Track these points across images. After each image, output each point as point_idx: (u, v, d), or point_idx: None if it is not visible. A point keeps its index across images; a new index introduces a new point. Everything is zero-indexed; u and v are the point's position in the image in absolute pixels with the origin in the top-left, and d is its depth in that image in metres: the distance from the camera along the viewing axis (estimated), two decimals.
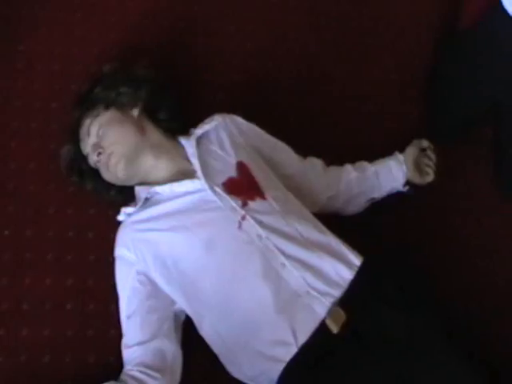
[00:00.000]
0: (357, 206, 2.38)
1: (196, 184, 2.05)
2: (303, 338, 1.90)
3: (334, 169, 2.36)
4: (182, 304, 2.06)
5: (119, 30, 2.62)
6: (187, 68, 2.60)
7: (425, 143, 2.48)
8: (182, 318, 2.12)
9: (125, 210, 2.12)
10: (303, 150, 2.36)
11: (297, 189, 2.23)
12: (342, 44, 2.80)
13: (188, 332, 2.12)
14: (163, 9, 2.71)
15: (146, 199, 2.11)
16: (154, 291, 2.06)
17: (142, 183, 2.15)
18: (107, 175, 2.14)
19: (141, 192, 2.13)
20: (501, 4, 2.33)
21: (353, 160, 2.43)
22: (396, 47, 2.84)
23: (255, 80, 2.66)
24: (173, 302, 2.08)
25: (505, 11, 2.32)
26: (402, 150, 2.45)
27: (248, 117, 2.30)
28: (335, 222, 2.20)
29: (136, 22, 2.65)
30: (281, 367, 1.89)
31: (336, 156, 2.42)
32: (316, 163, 2.35)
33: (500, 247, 2.50)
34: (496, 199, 2.59)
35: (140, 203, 2.10)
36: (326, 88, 2.70)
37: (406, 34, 2.86)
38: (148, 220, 2.06)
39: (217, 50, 2.68)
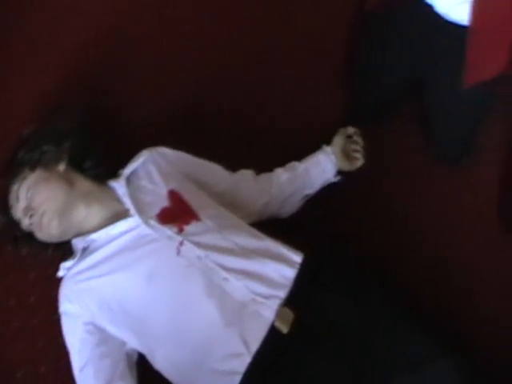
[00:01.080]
0: (292, 206, 2.47)
1: (130, 222, 2.14)
2: (255, 345, 1.98)
3: (264, 176, 2.46)
4: (133, 343, 2.14)
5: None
6: (111, 107, 2.67)
7: (350, 130, 2.57)
8: (135, 356, 2.20)
9: (64, 265, 2.19)
10: (236, 162, 2.45)
11: (231, 203, 2.33)
12: (254, 44, 2.86)
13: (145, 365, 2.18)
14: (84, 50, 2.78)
15: (84, 249, 2.18)
16: (103, 337, 2.13)
17: (77, 234, 2.22)
18: (42, 235, 2.21)
19: (77, 243, 2.20)
20: None
21: (287, 160, 2.52)
22: (311, 38, 2.91)
23: (181, 107, 2.74)
24: (124, 343, 2.16)
25: None
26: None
27: (178, 142, 2.38)
28: (272, 225, 2.30)
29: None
30: (238, 379, 1.97)
31: (271, 159, 2.52)
32: (246, 174, 2.44)
33: (437, 224, 2.59)
34: (429, 174, 2.68)
35: (78, 254, 2.17)
36: (250, 103, 2.77)
37: (320, 22, 2.91)
38: (88, 269, 2.14)
39: (138, 84, 2.76)
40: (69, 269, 2.18)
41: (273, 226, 2.30)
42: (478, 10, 2.21)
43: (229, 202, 2.32)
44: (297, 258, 2.14)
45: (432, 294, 2.42)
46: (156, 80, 2.76)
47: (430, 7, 2.33)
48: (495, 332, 2.39)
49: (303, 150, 2.54)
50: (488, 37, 2.28)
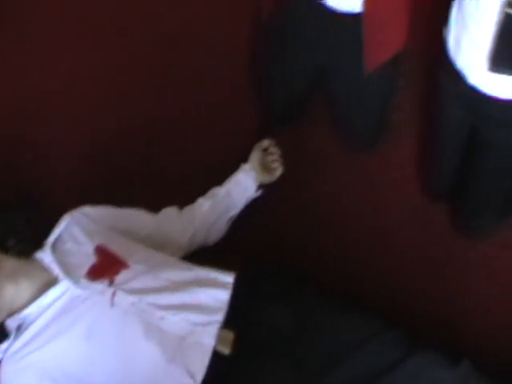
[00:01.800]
0: (219, 231, 2.53)
1: (61, 287, 2.18)
2: (200, 374, 2.02)
3: (187, 209, 2.51)
4: None
5: None
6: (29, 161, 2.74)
7: (265, 143, 2.63)
8: None
9: (0, 348, 2.19)
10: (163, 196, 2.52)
11: (158, 243, 2.39)
12: (160, 68, 2.94)
13: None
14: None
15: (19, 327, 2.19)
16: None
17: (9, 314, 2.22)
18: None
19: (10, 323, 2.20)
20: None
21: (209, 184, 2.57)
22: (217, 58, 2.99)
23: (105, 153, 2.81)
24: None
25: None
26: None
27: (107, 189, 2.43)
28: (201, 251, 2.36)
29: None
30: None
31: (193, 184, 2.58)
32: (169, 212, 2.50)
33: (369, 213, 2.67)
34: (350, 163, 2.75)
35: (13, 334, 2.18)
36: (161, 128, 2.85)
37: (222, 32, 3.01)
38: (26, 344, 2.15)
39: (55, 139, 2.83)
40: (5, 350, 2.18)
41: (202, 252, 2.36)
42: None
43: (156, 243, 2.38)
44: (228, 278, 2.19)
45: (370, 280, 2.48)
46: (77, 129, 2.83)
47: (321, 4, 2.36)
48: (426, 304, 2.47)
49: (223, 169, 2.60)
50: (382, 20, 2.33)
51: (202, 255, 2.38)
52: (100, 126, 2.84)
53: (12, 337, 2.19)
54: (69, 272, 2.21)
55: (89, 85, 2.92)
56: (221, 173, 2.57)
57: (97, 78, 2.94)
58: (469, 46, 2.18)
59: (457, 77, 2.25)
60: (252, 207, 2.56)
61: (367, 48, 2.37)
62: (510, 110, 2.24)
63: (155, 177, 2.74)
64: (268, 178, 2.58)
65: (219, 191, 2.53)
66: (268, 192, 2.58)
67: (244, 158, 2.60)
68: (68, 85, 2.92)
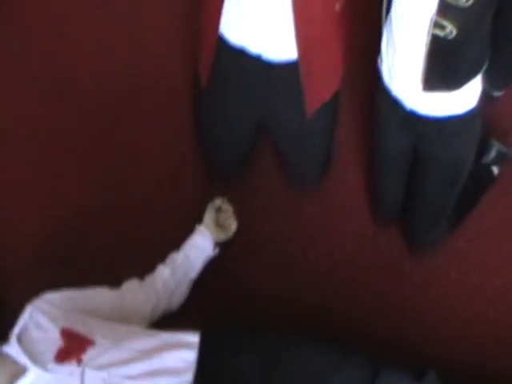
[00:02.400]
0: (181, 295, 2.57)
1: (30, 376, 2.22)
2: None
3: (148, 280, 2.54)
4: None
5: None
6: None
7: (217, 202, 2.69)
8: None
9: None
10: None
11: (123, 316, 2.42)
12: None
13: None
14: None
15: None
16: None
17: None
18: None
19: None
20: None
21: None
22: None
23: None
24: None
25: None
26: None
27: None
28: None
29: None
30: None
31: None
32: (130, 285, 2.53)
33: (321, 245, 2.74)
34: (299, 201, 2.82)
35: None
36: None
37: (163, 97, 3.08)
38: None
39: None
40: None
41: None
42: (302, 42, 2.31)
43: (121, 316, 2.42)
44: (194, 338, 2.23)
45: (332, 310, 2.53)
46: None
47: (258, 56, 2.40)
48: (388, 326, 2.53)
49: (180, 234, 2.64)
50: (318, 63, 2.40)
51: (165, 318, 2.41)
52: (53, 203, 2.89)
53: None
54: (36, 360, 2.24)
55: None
56: (179, 238, 2.62)
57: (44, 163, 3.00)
58: (402, 72, 2.26)
59: (394, 103, 2.33)
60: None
61: (306, 92, 2.42)
62: (447, 127, 2.32)
63: (115, 250, 2.77)
64: (223, 236, 2.64)
65: (177, 256, 2.58)
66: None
67: (199, 219, 2.66)
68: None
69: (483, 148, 2.64)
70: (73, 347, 2.26)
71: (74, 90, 3.07)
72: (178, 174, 2.92)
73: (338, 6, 2.32)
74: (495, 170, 2.68)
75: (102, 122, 3.01)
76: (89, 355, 2.22)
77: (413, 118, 2.32)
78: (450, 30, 2.11)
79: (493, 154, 2.65)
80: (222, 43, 2.41)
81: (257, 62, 2.38)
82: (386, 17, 2.26)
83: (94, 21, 3.23)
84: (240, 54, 2.39)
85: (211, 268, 2.60)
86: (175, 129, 2.99)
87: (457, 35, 2.11)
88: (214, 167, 2.88)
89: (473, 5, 2.05)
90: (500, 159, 2.67)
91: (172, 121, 3.02)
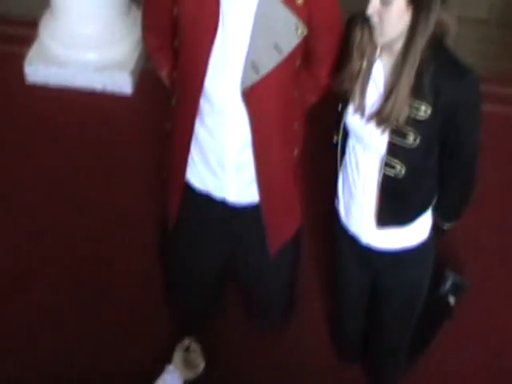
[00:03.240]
0: None
1: None
2: None
3: None
4: None
5: None
6: None
7: (186, 342, 2.76)
8: None
9: None
10: None
11: None
12: None
13: None
14: None
15: None
16: None
17: None
18: None
19: None
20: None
21: None
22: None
23: None
24: None
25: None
26: None
27: None
28: None
29: None
30: None
31: None
32: None
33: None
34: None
35: None
36: None
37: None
38: None
39: None
40: None
41: None
42: (264, 187, 2.44)
43: None
44: None
45: None
46: None
47: (222, 201, 2.50)
48: None
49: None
50: (279, 205, 2.52)
51: None
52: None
53: None
54: None
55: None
56: (150, 378, 2.67)
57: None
58: (357, 210, 2.41)
59: (351, 239, 2.47)
60: None
61: (269, 232, 2.54)
62: (401, 259, 2.45)
63: None
64: (192, 374, 2.71)
65: None
66: None
67: (168, 359, 2.72)
68: None
69: (439, 279, 2.76)
70: None
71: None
72: (148, 320, 3.01)
73: (296, 151, 2.49)
74: (452, 300, 2.78)
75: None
76: None
77: (369, 252, 2.45)
78: (400, 169, 2.27)
79: (448, 284, 2.76)
80: (187, 189, 2.53)
81: (221, 206, 2.50)
82: (341, 160, 2.42)
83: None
84: (205, 199, 2.51)
85: None
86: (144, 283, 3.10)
87: (406, 174, 2.27)
88: (184, 310, 2.94)
89: (419, 145, 2.23)
90: (456, 290, 2.77)
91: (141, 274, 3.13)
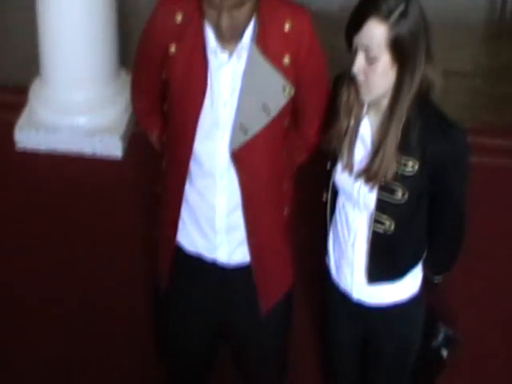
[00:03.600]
0: None
1: None
2: None
3: None
4: None
5: None
6: None
7: None
8: None
9: None
10: None
11: None
12: None
13: None
14: None
15: None
16: None
17: None
18: None
19: None
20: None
21: None
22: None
23: None
24: None
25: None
26: None
27: None
28: None
29: None
30: None
31: None
32: None
33: None
34: None
35: None
36: None
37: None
38: None
39: None
40: None
41: None
42: (254, 247, 2.43)
43: None
44: None
45: None
46: None
47: (213, 262, 2.48)
48: None
49: None
50: (270, 265, 2.50)
51: None
52: None
53: None
54: None
55: None
56: None
57: None
58: (347, 267, 2.41)
59: (342, 296, 2.47)
60: None
61: (260, 293, 2.51)
62: (393, 314, 2.45)
63: None
64: None
65: None
66: None
67: None
68: None
69: (431, 332, 2.76)
70: None
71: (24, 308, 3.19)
72: None
73: (286, 210, 2.50)
74: (444, 353, 2.78)
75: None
76: None
77: (360, 308, 2.45)
78: (389, 224, 2.29)
79: (440, 337, 2.76)
80: (178, 250, 2.52)
81: (212, 267, 2.49)
82: (331, 218, 2.44)
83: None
84: (196, 261, 2.51)
85: None
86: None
87: (396, 229, 2.29)
88: (175, 376, 2.89)
89: (408, 200, 2.25)
90: (448, 342, 2.78)
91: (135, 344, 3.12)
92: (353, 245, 2.37)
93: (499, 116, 4.42)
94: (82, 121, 3.94)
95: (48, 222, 3.56)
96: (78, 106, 3.92)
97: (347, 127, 2.26)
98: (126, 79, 3.92)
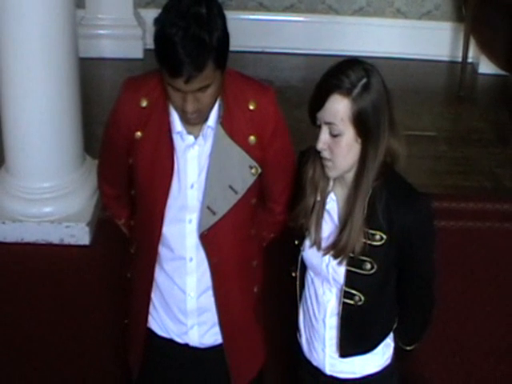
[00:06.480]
0: None
1: None
2: None
3: None
4: None
5: None
6: None
7: None
8: None
9: None
10: None
11: None
12: None
13: None
14: None
15: None
16: None
17: None
18: None
19: None
20: None
21: None
22: None
23: None
24: None
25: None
26: None
27: None
28: None
29: None
30: None
31: None
32: None
33: None
34: None
35: None
36: None
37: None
38: None
39: None
40: None
41: None
42: (226, 327, 2.42)
43: None
44: None
45: None
46: None
47: (185, 345, 2.46)
48: None
49: None
50: (242, 343, 2.49)
51: None
52: None
53: None
54: None
55: None
56: None
57: None
58: (319, 343, 2.40)
59: (314, 371, 2.45)
60: None
61: (232, 372, 2.50)
62: None
63: None
64: None
65: None
66: None
67: None
68: None
69: None
70: None
71: None
72: None
73: (256, 289, 2.50)
74: None
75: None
76: None
77: (334, 381, 2.43)
78: (359, 298, 2.29)
79: None
80: (150, 336, 2.50)
81: (184, 349, 2.48)
82: (301, 295, 2.43)
83: None
84: (168, 344, 2.49)
85: None
86: None
87: (365, 302, 2.29)
88: None
89: (376, 272, 2.26)
90: None
91: None
92: (323, 320, 2.36)
93: (464, 179, 4.48)
94: (47, 209, 3.92)
95: (15, 311, 3.52)
96: (43, 194, 3.91)
97: (314, 203, 2.27)
98: (91, 163, 3.93)
